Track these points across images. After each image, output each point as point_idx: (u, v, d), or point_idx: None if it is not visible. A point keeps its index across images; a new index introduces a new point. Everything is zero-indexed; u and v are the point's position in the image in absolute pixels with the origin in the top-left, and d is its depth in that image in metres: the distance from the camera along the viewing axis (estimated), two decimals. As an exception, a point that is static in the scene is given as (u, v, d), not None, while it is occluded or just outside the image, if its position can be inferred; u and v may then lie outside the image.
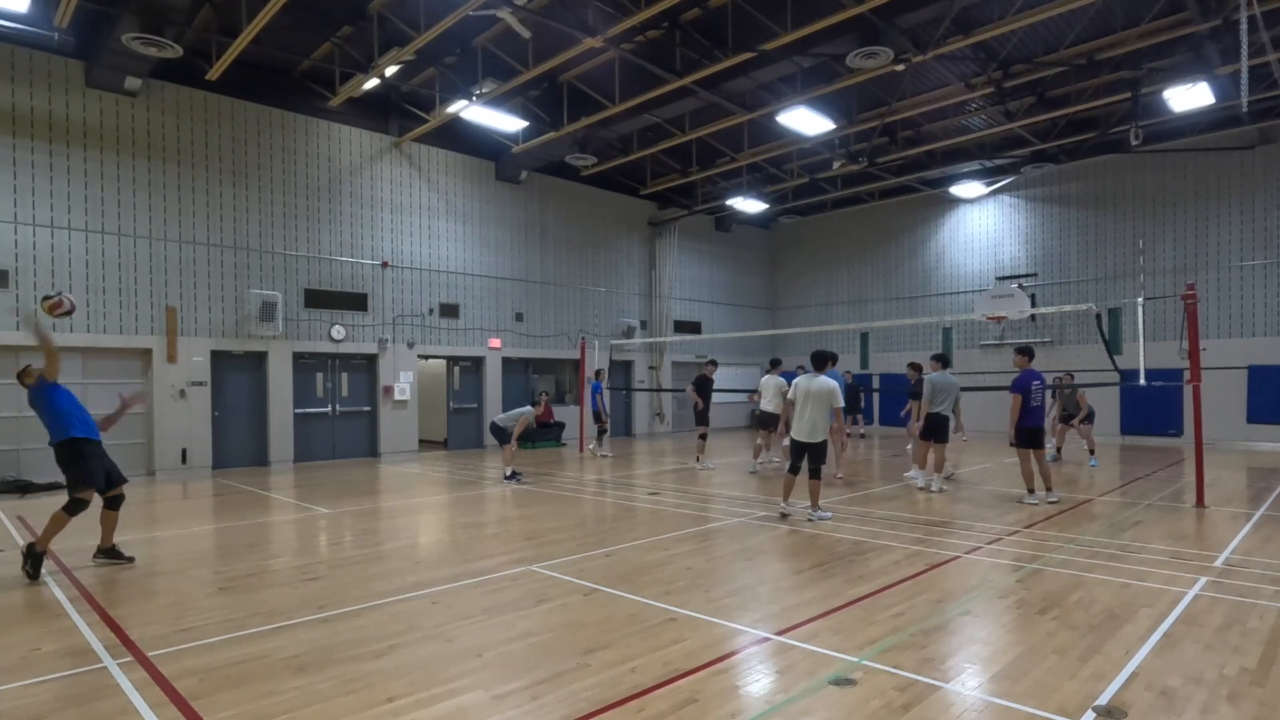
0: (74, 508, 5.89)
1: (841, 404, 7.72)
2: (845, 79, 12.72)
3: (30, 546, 5.88)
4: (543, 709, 3.36)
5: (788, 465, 8.11)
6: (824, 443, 7.80)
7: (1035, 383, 8.94)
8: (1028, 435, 8.94)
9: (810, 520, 7.67)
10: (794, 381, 8.14)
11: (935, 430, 9.88)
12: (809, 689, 3.56)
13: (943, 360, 10.19)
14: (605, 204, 19.85)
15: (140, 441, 12.64)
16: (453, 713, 3.35)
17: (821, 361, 8.01)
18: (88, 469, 6.03)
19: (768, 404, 11.47)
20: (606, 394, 15.67)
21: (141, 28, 10.03)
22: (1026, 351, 9.31)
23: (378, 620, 4.67)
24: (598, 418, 15.15)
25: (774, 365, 12.21)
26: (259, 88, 13.69)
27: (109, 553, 6.33)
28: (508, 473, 11.38)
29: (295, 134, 14.26)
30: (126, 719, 3.34)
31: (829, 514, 7.93)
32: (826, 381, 7.71)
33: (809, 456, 7.84)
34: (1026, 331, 18.68)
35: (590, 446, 15.44)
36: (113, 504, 6.36)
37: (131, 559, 6.33)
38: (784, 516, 7.92)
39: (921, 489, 9.86)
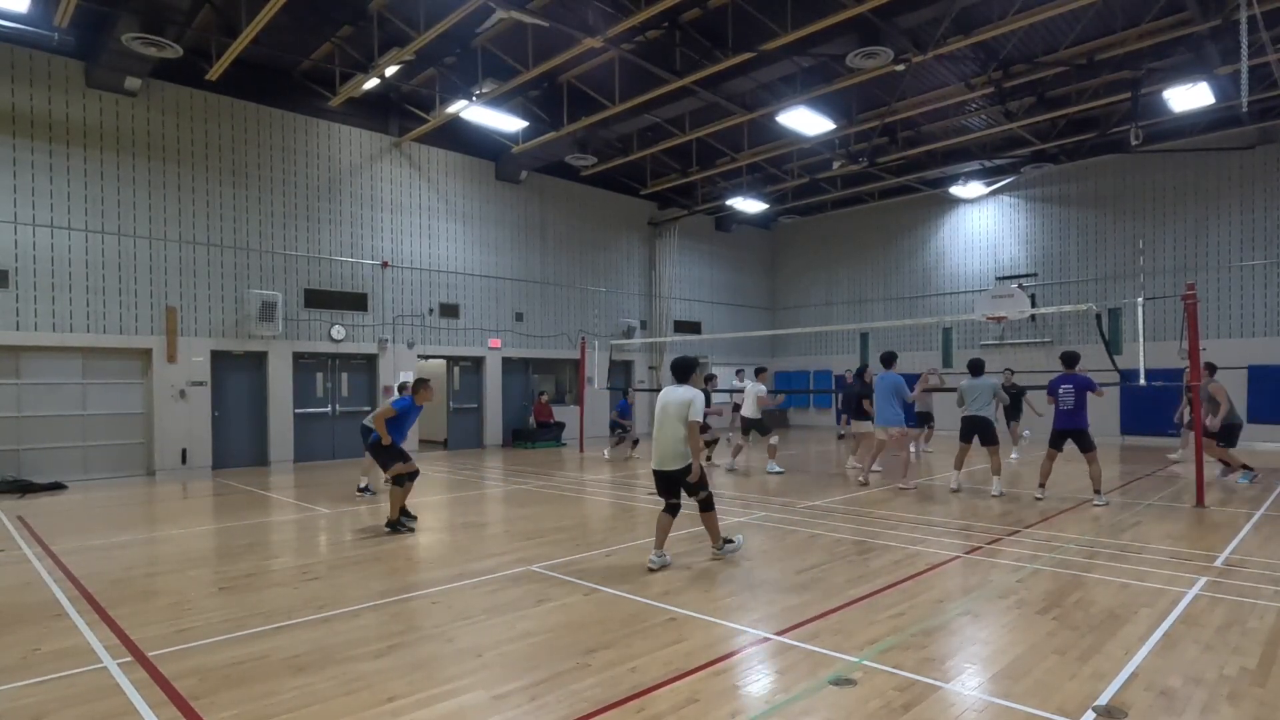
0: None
1: (699, 418, 5.82)
2: (845, 79, 12.72)
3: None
4: (543, 709, 3.36)
5: (662, 505, 6.11)
6: (688, 468, 5.88)
7: (1065, 385, 8.94)
8: (1054, 436, 9.10)
9: (717, 555, 6.17)
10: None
11: (977, 432, 9.71)
12: (809, 689, 3.56)
13: (973, 367, 10.07)
14: (605, 204, 19.85)
15: (140, 441, 12.64)
16: (453, 713, 3.35)
17: (686, 370, 6.22)
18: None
19: (748, 410, 12.12)
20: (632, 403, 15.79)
21: (141, 28, 10.03)
22: (1065, 358, 9.23)
23: (378, 620, 4.67)
24: (617, 426, 14.95)
25: (758, 373, 12.66)
26: (259, 88, 13.70)
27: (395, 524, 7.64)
28: (361, 484, 9.95)
29: (295, 134, 14.27)
30: (126, 719, 3.34)
31: (739, 538, 6.36)
32: (686, 392, 5.98)
33: (683, 488, 6.02)
34: (1026, 332, 18.69)
35: (609, 451, 15.03)
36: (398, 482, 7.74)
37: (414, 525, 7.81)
38: (651, 571, 5.86)
39: (995, 496, 9.45)
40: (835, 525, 7.63)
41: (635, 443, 14.98)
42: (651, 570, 5.85)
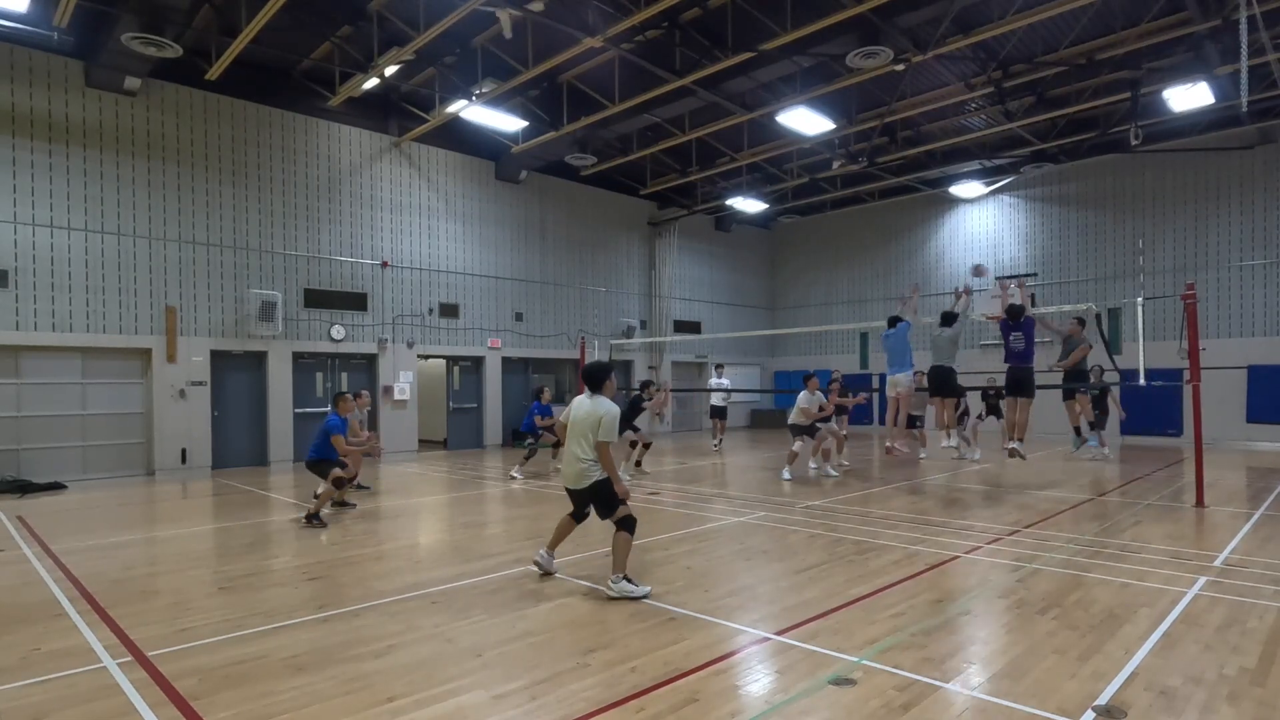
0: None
1: (611, 438, 5.21)
2: (845, 79, 12.72)
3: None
4: (543, 709, 3.36)
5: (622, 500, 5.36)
6: (607, 481, 5.26)
7: (1015, 333, 9.24)
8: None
9: (609, 591, 5.16)
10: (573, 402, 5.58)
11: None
12: (809, 689, 3.56)
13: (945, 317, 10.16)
14: (605, 204, 19.86)
15: (140, 441, 12.65)
16: (453, 713, 3.35)
17: (598, 378, 5.47)
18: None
19: (794, 417, 11.41)
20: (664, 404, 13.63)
21: (141, 27, 10.03)
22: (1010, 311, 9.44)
23: (378, 620, 4.67)
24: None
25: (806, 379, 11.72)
26: (259, 88, 13.69)
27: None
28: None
29: (295, 134, 14.27)
30: (126, 719, 3.34)
31: (640, 587, 5.17)
32: (596, 407, 5.30)
33: (595, 503, 5.40)
34: (1026, 331, 18.66)
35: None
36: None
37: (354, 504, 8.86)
38: (543, 573, 5.67)
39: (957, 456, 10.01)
40: (835, 525, 7.63)
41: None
42: (537, 570, 5.64)
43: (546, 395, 12.52)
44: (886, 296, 21.91)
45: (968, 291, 10.47)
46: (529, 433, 12.39)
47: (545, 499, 9.67)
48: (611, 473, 5.25)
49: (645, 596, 5.11)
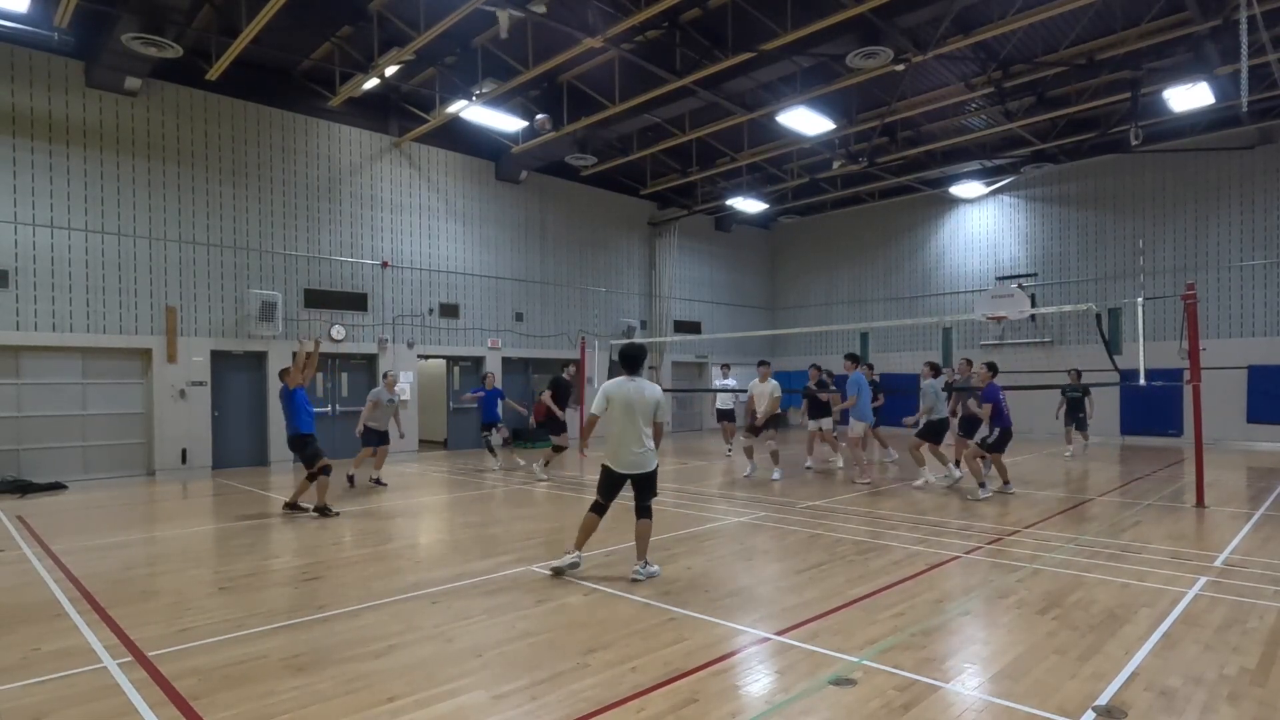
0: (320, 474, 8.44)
1: (665, 418, 5.75)
2: (845, 79, 12.72)
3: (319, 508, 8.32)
4: (543, 709, 3.36)
5: (593, 503, 5.74)
6: (655, 471, 5.66)
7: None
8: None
9: (635, 577, 5.52)
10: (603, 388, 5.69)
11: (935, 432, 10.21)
12: (809, 689, 3.56)
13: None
14: (605, 204, 19.85)
15: (140, 441, 12.65)
16: (453, 713, 3.35)
17: (639, 360, 5.66)
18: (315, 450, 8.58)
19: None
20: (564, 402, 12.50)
21: (141, 28, 10.03)
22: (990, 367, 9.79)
23: (378, 620, 4.67)
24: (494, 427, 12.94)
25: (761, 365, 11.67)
26: (259, 88, 13.69)
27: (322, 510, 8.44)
28: (373, 476, 10.58)
29: (295, 134, 14.27)
30: (126, 719, 3.34)
31: (658, 568, 5.73)
32: (653, 391, 5.63)
33: (643, 487, 5.63)
34: (1026, 332, 18.69)
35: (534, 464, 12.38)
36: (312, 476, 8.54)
37: (338, 514, 8.52)
38: (558, 572, 5.65)
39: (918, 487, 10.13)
40: (835, 525, 7.63)
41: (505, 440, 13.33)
42: (567, 571, 5.61)
43: (491, 380, 13.31)
44: (886, 297, 21.92)
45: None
46: (494, 424, 12.93)
47: (545, 499, 9.67)
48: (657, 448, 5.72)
49: (657, 576, 5.62)
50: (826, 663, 3.88)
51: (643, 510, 5.58)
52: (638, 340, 6.02)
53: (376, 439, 10.86)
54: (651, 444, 5.58)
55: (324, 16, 11.84)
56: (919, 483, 10.22)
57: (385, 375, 11.35)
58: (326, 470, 8.54)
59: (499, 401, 12.82)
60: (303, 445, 8.60)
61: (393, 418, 10.95)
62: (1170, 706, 3.33)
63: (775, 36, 10.96)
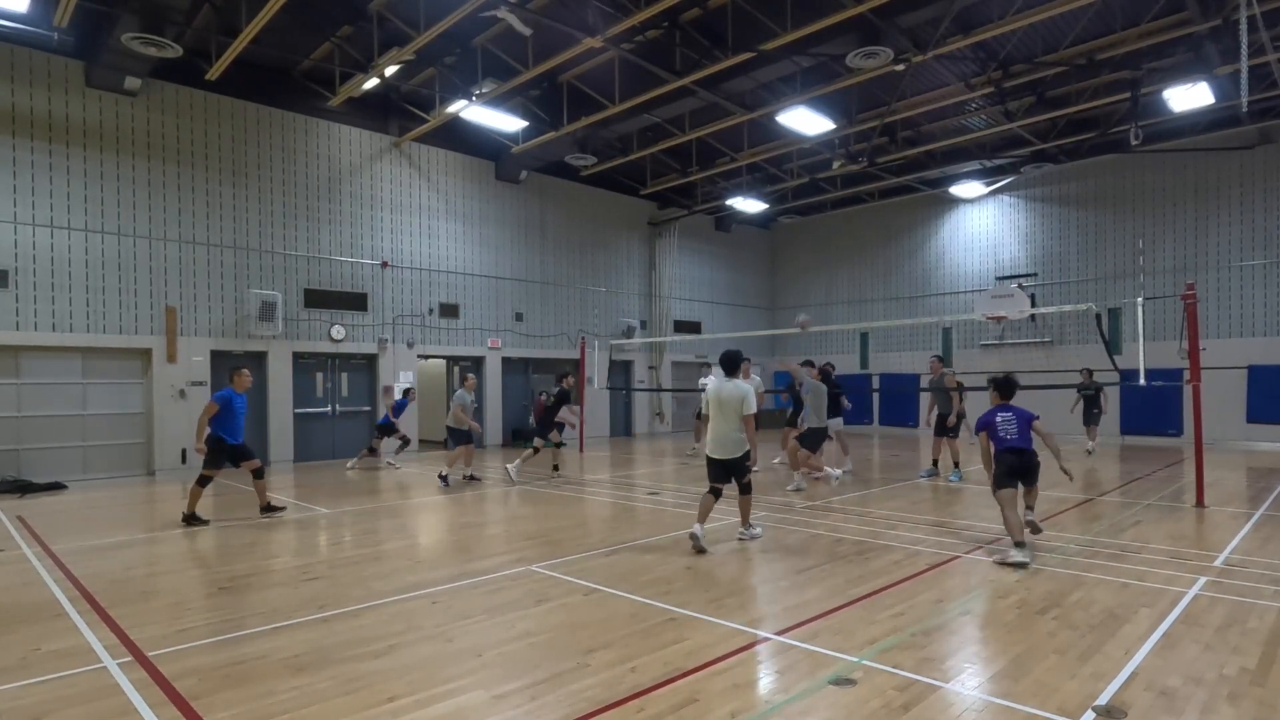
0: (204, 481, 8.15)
1: (753, 410, 6.51)
2: (845, 79, 12.72)
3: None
4: (543, 709, 3.36)
5: (707, 487, 6.82)
6: (747, 454, 6.67)
7: (1003, 414, 6.77)
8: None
9: (740, 539, 6.88)
10: (707, 388, 6.76)
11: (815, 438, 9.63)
12: (809, 689, 3.56)
13: (811, 364, 10.10)
14: (605, 204, 19.85)
15: (140, 441, 12.65)
16: (453, 713, 3.35)
17: (734, 363, 6.83)
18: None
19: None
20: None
21: (141, 28, 10.03)
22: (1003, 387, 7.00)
23: (378, 620, 4.67)
24: (391, 430, 13.24)
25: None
26: (259, 88, 13.69)
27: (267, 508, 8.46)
28: (442, 472, 10.86)
29: (295, 134, 14.27)
30: (126, 719, 3.34)
31: (760, 529, 7.14)
32: (739, 388, 6.63)
33: (736, 469, 6.74)
34: (1026, 331, 18.69)
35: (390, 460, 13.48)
36: (257, 475, 8.52)
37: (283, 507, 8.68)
38: (700, 549, 6.39)
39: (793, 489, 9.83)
40: (835, 525, 7.63)
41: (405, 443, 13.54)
42: (694, 544, 6.40)
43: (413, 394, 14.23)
44: (886, 296, 21.92)
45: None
46: (388, 429, 13.20)
47: (545, 499, 9.67)
48: (752, 442, 6.62)
49: (760, 537, 6.92)
50: (826, 662, 3.88)
51: (744, 488, 6.81)
52: (732, 348, 6.58)
53: (464, 438, 11.20)
54: (741, 435, 6.55)
55: (324, 16, 11.84)
56: (791, 486, 9.95)
57: (466, 379, 11.86)
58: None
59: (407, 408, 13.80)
60: (247, 454, 8.41)
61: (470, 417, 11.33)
62: (1170, 706, 3.33)
63: (775, 36, 10.96)
